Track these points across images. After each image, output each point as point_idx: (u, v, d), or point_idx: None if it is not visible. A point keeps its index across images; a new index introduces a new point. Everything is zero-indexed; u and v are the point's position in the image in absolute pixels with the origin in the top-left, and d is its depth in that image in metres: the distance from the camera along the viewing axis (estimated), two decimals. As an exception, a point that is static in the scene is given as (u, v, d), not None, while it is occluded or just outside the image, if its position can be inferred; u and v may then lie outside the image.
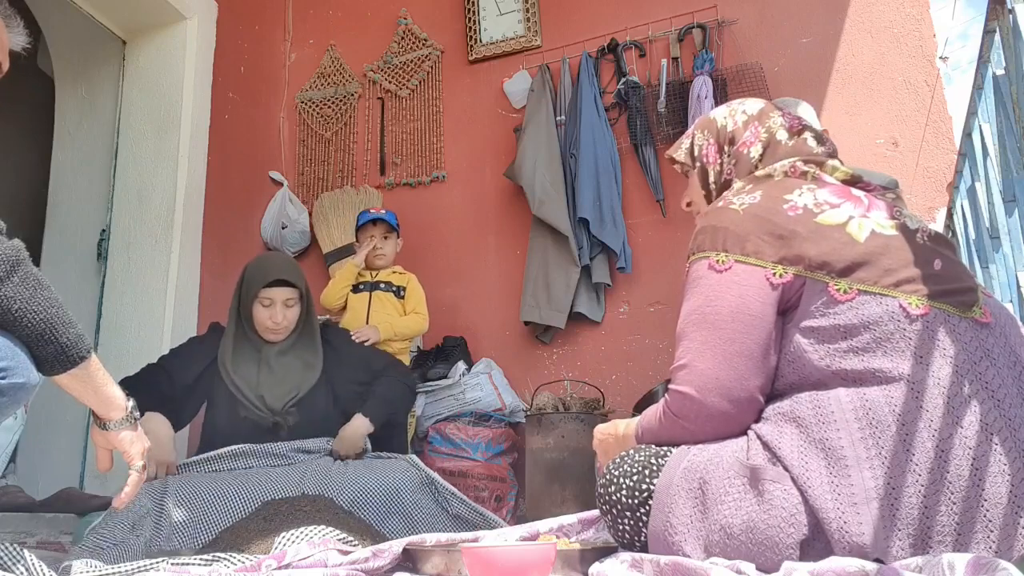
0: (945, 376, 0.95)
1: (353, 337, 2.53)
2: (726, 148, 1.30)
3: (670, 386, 1.13)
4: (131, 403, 1.27)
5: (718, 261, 1.11)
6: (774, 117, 1.28)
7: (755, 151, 1.26)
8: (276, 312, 2.13)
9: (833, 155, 1.24)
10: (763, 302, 1.07)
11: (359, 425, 2.13)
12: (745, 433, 1.08)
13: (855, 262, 1.04)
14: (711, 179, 1.33)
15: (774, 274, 1.07)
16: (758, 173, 1.22)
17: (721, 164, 1.31)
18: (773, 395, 1.09)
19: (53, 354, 1.11)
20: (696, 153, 1.36)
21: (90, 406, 1.23)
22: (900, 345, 0.98)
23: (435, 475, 2.00)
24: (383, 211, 3.01)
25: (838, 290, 1.03)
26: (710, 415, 1.08)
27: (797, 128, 1.26)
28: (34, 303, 1.07)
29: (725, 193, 1.23)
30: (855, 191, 1.15)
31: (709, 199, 1.34)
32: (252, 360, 2.16)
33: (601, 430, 1.35)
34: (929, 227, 1.12)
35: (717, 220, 1.15)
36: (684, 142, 1.39)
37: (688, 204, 1.41)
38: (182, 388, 2.16)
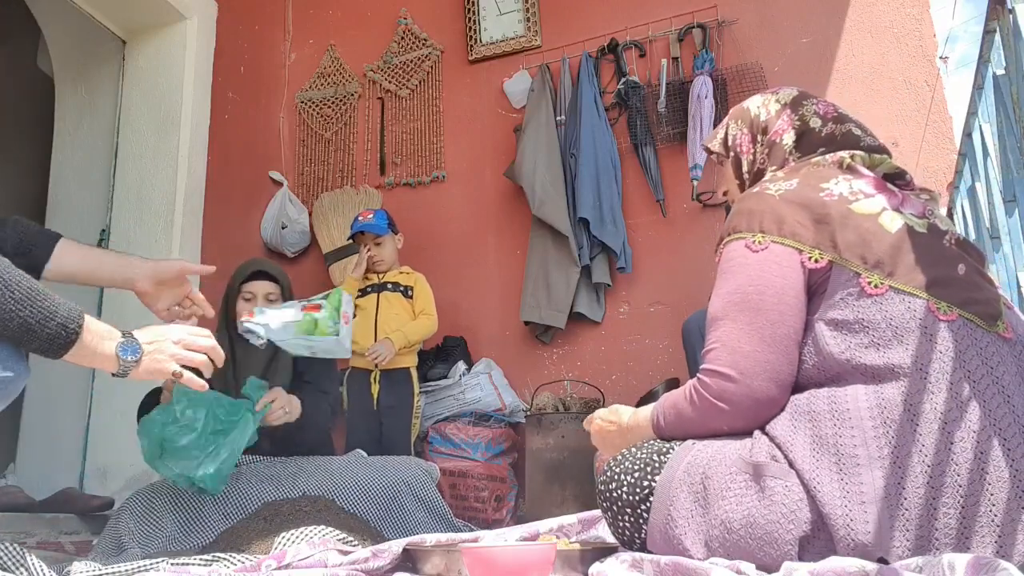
0: (961, 381, 0.95)
1: (367, 357, 2.59)
2: (759, 137, 1.30)
3: (707, 367, 1.09)
4: (118, 346, 1.19)
5: (755, 241, 1.10)
6: (807, 105, 1.27)
7: (788, 139, 1.25)
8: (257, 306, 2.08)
9: (878, 148, 1.21)
10: (800, 284, 1.07)
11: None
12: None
13: (886, 255, 1.03)
14: (744, 168, 1.33)
15: (809, 258, 1.06)
16: (793, 163, 1.21)
17: (754, 153, 1.31)
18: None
19: (41, 348, 1.09)
20: (730, 143, 1.36)
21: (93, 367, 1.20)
22: (923, 347, 0.98)
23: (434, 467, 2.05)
24: (371, 215, 2.87)
25: (870, 283, 1.03)
26: (756, 400, 1.05)
27: (832, 115, 1.24)
28: (2, 312, 1.03)
29: (761, 181, 1.22)
30: (890, 186, 1.14)
31: (743, 188, 1.34)
32: (229, 359, 2.10)
33: (601, 416, 1.31)
34: (958, 232, 1.12)
35: (753, 204, 1.14)
36: (719, 132, 1.40)
37: (725, 193, 1.41)
38: None
